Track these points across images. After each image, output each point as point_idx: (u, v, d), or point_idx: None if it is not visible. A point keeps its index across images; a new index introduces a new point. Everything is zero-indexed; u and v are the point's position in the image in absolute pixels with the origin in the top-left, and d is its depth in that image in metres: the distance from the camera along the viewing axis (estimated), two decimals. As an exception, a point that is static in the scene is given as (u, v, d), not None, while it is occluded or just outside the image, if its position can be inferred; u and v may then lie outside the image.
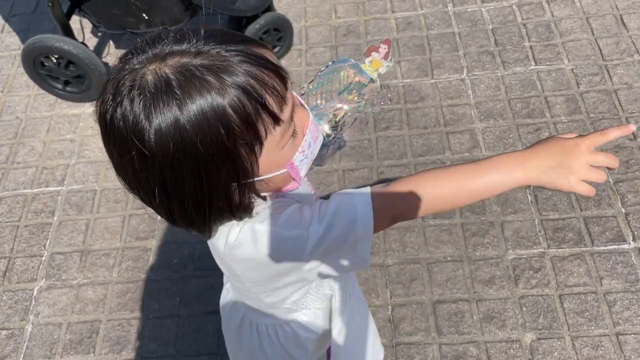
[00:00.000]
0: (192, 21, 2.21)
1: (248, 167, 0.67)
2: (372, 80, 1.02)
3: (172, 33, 0.65)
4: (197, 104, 0.60)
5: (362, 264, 0.78)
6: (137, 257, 1.92)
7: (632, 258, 1.73)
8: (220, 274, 1.17)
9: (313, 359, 1.13)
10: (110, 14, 2.14)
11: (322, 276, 0.83)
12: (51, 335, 1.78)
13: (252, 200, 0.73)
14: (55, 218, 2.04)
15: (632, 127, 0.72)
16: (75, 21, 2.35)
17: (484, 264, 1.77)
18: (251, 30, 2.21)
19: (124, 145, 0.63)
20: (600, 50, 2.24)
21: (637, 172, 1.90)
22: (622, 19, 2.33)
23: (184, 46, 0.63)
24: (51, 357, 1.74)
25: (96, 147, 2.23)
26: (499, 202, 1.89)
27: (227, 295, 1.09)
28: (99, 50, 2.58)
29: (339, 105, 1.04)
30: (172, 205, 0.68)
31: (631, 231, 1.78)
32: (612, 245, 1.76)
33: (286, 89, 0.67)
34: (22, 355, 1.75)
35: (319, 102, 1.04)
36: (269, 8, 2.29)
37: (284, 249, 0.74)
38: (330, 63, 1.04)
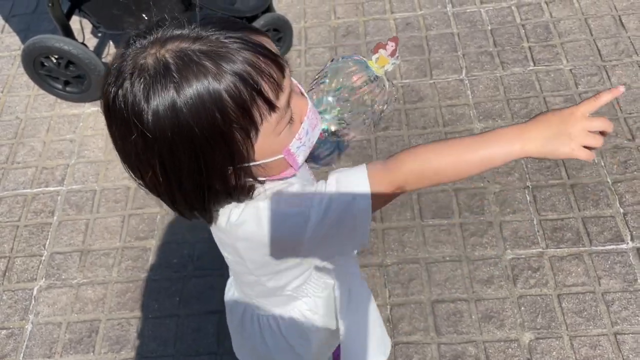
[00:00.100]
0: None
1: (244, 152, 0.69)
2: (376, 78, 1.02)
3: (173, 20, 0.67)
4: (194, 88, 0.62)
5: (363, 242, 0.79)
6: (136, 256, 1.92)
7: (630, 258, 1.73)
8: (220, 274, 1.18)
9: (315, 355, 1.14)
10: (110, 15, 2.15)
11: (324, 256, 0.84)
12: (51, 335, 1.78)
13: (250, 184, 0.75)
14: (55, 218, 2.05)
15: (621, 89, 0.73)
16: (75, 22, 2.36)
17: (483, 263, 1.78)
18: (251, 30, 2.22)
19: (125, 126, 0.65)
20: (599, 50, 2.25)
21: (635, 173, 1.91)
22: (620, 19, 2.34)
23: (185, 31, 0.65)
24: (51, 357, 1.74)
25: (96, 147, 2.24)
26: (497, 202, 1.90)
27: (230, 288, 1.11)
28: (99, 50, 2.58)
29: (342, 103, 1.04)
30: (172, 187, 0.70)
31: (629, 231, 1.78)
32: (610, 245, 1.76)
33: (283, 76, 0.69)
34: (21, 354, 1.75)
35: (323, 97, 1.05)
36: (269, 9, 2.30)
37: (286, 227, 0.76)
38: (340, 59, 1.04)
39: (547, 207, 1.87)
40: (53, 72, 2.30)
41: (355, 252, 1.38)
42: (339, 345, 1.17)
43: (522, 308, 1.68)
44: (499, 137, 0.73)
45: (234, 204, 0.77)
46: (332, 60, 1.06)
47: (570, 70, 2.20)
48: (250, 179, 0.74)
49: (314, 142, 0.80)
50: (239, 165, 0.70)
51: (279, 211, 0.75)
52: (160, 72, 0.62)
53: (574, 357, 1.58)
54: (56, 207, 2.08)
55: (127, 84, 0.63)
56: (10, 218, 2.07)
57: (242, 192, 0.75)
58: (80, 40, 2.27)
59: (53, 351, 1.75)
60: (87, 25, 2.55)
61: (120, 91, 0.64)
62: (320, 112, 1.05)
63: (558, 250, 1.78)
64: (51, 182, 2.15)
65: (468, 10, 2.48)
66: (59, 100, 2.40)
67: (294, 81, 0.77)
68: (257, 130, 0.68)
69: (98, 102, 2.36)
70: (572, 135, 0.70)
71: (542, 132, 0.71)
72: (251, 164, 0.72)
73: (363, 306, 1.12)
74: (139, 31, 0.66)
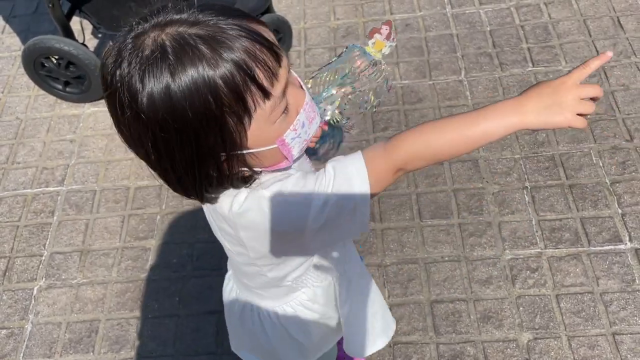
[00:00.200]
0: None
1: (236, 138, 0.70)
2: (375, 62, 1.03)
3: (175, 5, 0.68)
4: (188, 72, 0.64)
5: (363, 228, 0.80)
6: (136, 256, 1.93)
7: (629, 258, 1.74)
8: (219, 274, 1.18)
9: (317, 347, 1.14)
10: (110, 15, 2.15)
11: (326, 244, 0.85)
12: (50, 335, 1.79)
13: (247, 173, 0.76)
14: (55, 218, 2.05)
15: (609, 54, 0.75)
16: (75, 22, 2.36)
17: (482, 264, 1.78)
18: (250, 31, 2.22)
19: (121, 104, 0.66)
20: (598, 51, 2.25)
21: (633, 173, 1.91)
22: (619, 20, 2.35)
23: (184, 16, 0.67)
24: (50, 356, 1.75)
25: (96, 148, 2.24)
26: (496, 202, 1.91)
27: (228, 283, 1.11)
28: (99, 51, 2.59)
29: (342, 90, 1.05)
30: (166, 169, 0.72)
31: (627, 232, 1.79)
32: (608, 245, 1.77)
33: (279, 65, 0.70)
34: (21, 354, 1.76)
35: (326, 87, 1.06)
36: (268, 10, 2.30)
37: (288, 216, 0.77)
38: (344, 49, 1.06)
39: (545, 207, 1.87)
40: (53, 73, 2.31)
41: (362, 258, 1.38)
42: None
43: (521, 308, 1.68)
44: (496, 111, 0.74)
45: (235, 191, 0.78)
46: (339, 56, 1.07)
47: (569, 71, 2.20)
48: (246, 168, 0.75)
49: (311, 136, 0.81)
50: (232, 152, 0.71)
51: (281, 200, 0.76)
52: (157, 55, 0.64)
53: (572, 357, 1.58)
54: (56, 207, 2.08)
55: (124, 64, 0.65)
56: (10, 218, 2.08)
57: (236, 179, 0.76)
58: (81, 41, 2.27)
59: (53, 351, 1.75)
60: (88, 26, 2.56)
61: (118, 71, 0.65)
62: (323, 103, 1.06)
63: (556, 250, 1.78)
64: (51, 182, 2.15)
65: (467, 12, 2.49)
66: (59, 100, 2.41)
67: (294, 74, 0.78)
68: (250, 116, 0.69)
69: (98, 103, 2.37)
70: (565, 104, 0.72)
71: (537, 103, 0.72)
72: (244, 151, 0.72)
73: (363, 292, 1.13)
74: (141, 15, 0.68)
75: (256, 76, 0.66)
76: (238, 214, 0.78)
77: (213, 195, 0.78)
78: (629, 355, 1.57)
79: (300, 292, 1.01)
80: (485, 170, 1.99)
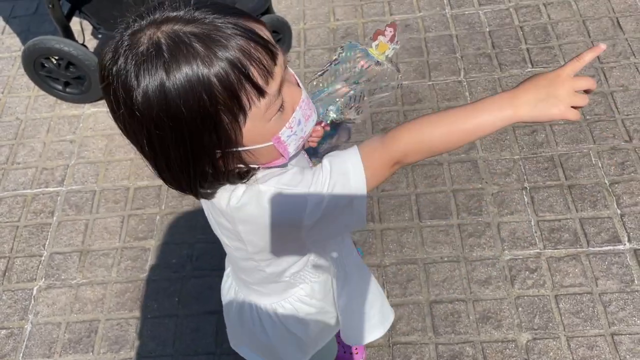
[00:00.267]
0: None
1: (232, 136, 0.70)
2: (377, 63, 1.04)
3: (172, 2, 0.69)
4: (183, 70, 0.64)
5: (360, 222, 0.81)
6: (135, 257, 1.93)
7: (628, 259, 1.74)
8: (218, 275, 1.19)
9: (315, 341, 1.15)
10: (110, 16, 2.16)
11: (323, 238, 0.86)
12: (50, 335, 1.79)
13: (243, 170, 0.76)
14: (55, 218, 2.06)
15: (603, 46, 0.75)
16: (75, 23, 2.36)
17: (481, 264, 1.78)
18: (250, 32, 2.23)
19: (117, 100, 0.67)
20: (597, 52, 2.25)
21: (632, 174, 1.91)
22: (618, 21, 2.35)
23: (180, 13, 0.67)
24: (50, 357, 1.75)
25: (96, 148, 2.24)
26: (495, 203, 1.91)
27: (227, 280, 1.12)
28: (99, 51, 2.59)
29: (345, 89, 1.05)
30: (160, 161, 0.72)
31: (626, 232, 1.79)
32: (607, 246, 1.77)
33: (275, 64, 0.70)
34: (21, 354, 1.76)
35: (326, 87, 1.06)
36: (268, 10, 2.31)
37: (285, 210, 0.77)
38: (339, 49, 1.06)
39: (544, 208, 1.88)
40: (53, 73, 2.31)
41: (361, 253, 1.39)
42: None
43: (520, 309, 1.69)
44: (491, 104, 0.74)
45: (233, 186, 0.78)
46: (339, 54, 1.07)
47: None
48: (242, 165, 0.76)
49: (308, 134, 0.81)
50: (227, 149, 0.71)
51: (279, 194, 0.77)
52: (152, 52, 0.64)
53: (571, 358, 1.59)
54: (56, 207, 2.08)
55: (121, 61, 0.65)
56: (10, 218, 2.08)
57: (232, 175, 0.76)
58: (81, 41, 2.28)
59: (52, 351, 1.75)
60: (88, 27, 2.56)
61: (114, 67, 0.66)
62: (325, 103, 1.07)
63: (555, 251, 1.78)
64: (51, 183, 2.16)
65: (466, 12, 2.49)
66: (59, 101, 2.41)
67: (291, 71, 0.78)
68: (245, 114, 0.69)
69: (98, 103, 2.38)
70: (560, 96, 0.72)
71: (532, 95, 0.73)
72: (240, 148, 0.73)
73: (360, 283, 1.14)
74: (139, 12, 0.68)
75: (251, 74, 0.67)
76: (236, 208, 0.79)
77: (209, 191, 0.78)
78: (627, 356, 1.57)
79: (299, 288, 1.01)
80: (485, 170, 1.99)
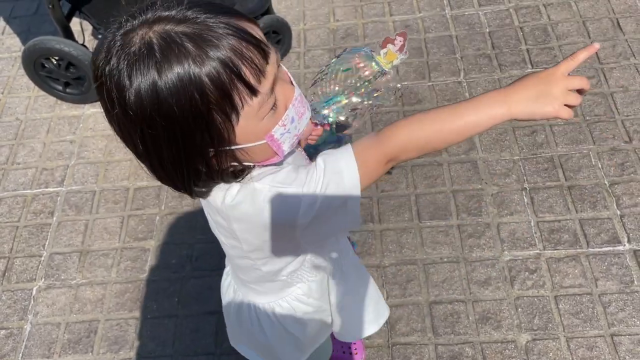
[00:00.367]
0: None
1: (224, 134, 0.70)
2: (383, 72, 1.03)
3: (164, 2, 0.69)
4: (175, 69, 0.64)
5: (355, 223, 0.81)
6: (135, 257, 1.93)
7: (627, 260, 1.74)
8: (218, 275, 1.19)
9: (313, 340, 1.15)
10: (110, 16, 2.15)
11: (319, 237, 0.86)
12: (50, 335, 1.79)
13: (237, 168, 0.76)
14: (55, 218, 2.06)
15: (597, 46, 0.75)
16: (75, 23, 2.37)
17: (480, 265, 1.78)
18: (250, 32, 2.23)
19: (110, 100, 0.67)
20: (597, 53, 2.26)
21: (632, 175, 1.91)
22: (618, 22, 2.35)
23: (172, 13, 0.67)
24: (49, 357, 1.75)
25: (96, 148, 2.24)
26: (495, 203, 1.91)
27: (226, 278, 1.12)
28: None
29: (350, 99, 1.05)
30: (153, 161, 0.72)
31: (626, 233, 1.79)
32: (607, 247, 1.77)
33: (267, 62, 0.70)
34: (20, 354, 1.76)
35: (328, 91, 1.06)
36: (268, 11, 2.31)
37: (280, 208, 0.77)
38: (349, 50, 1.05)
39: (544, 208, 1.88)
40: (53, 74, 2.31)
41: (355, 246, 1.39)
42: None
43: (519, 309, 1.68)
44: (485, 101, 0.74)
45: (227, 185, 0.78)
46: (340, 55, 1.06)
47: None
48: (236, 163, 0.76)
49: (302, 131, 0.81)
50: (220, 147, 0.72)
51: (273, 193, 0.77)
52: (144, 52, 0.64)
53: (570, 358, 1.58)
54: (56, 207, 2.09)
55: (113, 60, 0.66)
56: (10, 219, 2.08)
57: (226, 174, 0.76)
58: (81, 41, 2.28)
59: (52, 351, 1.75)
60: (88, 27, 2.56)
61: (107, 67, 0.66)
62: (326, 105, 1.07)
63: (555, 251, 1.78)
64: (51, 183, 2.16)
65: (466, 13, 2.49)
66: (59, 101, 2.42)
67: (284, 69, 0.78)
68: (237, 113, 0.69)
69: (98, 104, 2.37)
70: (554, 94, 0.72)
71: (526, 93, 0.73)
72: (233, 147, 0.73)
73: (355, 279, 1.14)
74: (131, 12, 0.69)
75: (243, 74, 0.67)
76: (231, 207, 0.79)
77: (204, 190, 0.78)
78: (627, 357, 1.57)
79: (296, 287, 1.01)
80: (484, 171, 1.99)
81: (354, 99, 1.07)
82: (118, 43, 0.66)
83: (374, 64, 1.03)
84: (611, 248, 1.77)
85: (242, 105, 0.69)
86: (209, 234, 0.94)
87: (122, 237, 1.98)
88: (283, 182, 0.77)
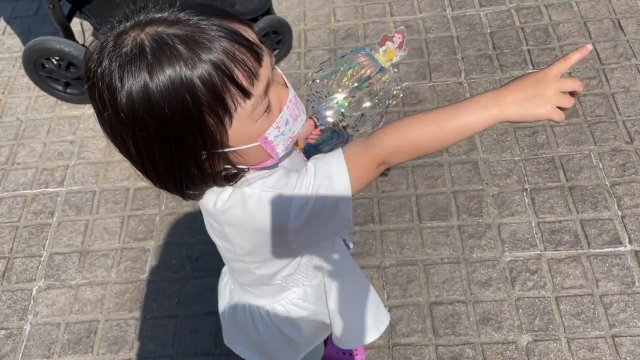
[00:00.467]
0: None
1: (217, 137, 0.70)
2: (382, 70, 1.03)
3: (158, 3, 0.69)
4: (166, 71, 0.64)
5: (347, 226, 0.80)
6: (135, 257, 1.93)
7: (628, 260, 1.73)
8: (218, 276, 1.18)
9: (309, 341, 1.14)
10: (110, 17, 2.15)
11: (312, 242, 0.85)
12: (49, 335, 1.79)
13: (231, 171, 0.76)
14: (55, 219, 2.05)
15: (589, 47, 0.74)
16: (76, 24, 2.37)
17: (481, 265, 1.78)
18: (250, 33, 2.23)
19: (101, 101, 0.67)
20: (598, 54, 2.25)
21: (633, 175, 1.91)
22: (619, 23, 2.35)
23: (165, 14, 0.67)
24: (49, 357, 1.74)
25: (96, 149, 2.24)
26: (495, 204, 1.90)
27: (224, 277, 1.12)
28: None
29: (350, 96, 1.05)
30: (145, 163, 0.72)
31: (627, 234, 1.79)
32: (608, 247, 1.76)
33: (260, 65, 0.70)
34: (20, 355, 1.76)
35: (331, 91, 1.05)
36: (269, 11, 2.31)
37: (270, 213, 0.77)
38: (349, 52, 1.05)
39: (545, 209, 1.87)
40: (54, 74, 2.31)
41: (350, 245, 1.38)
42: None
43: (520, 310, 1.68)
44: (477, 104, 0.73)
45: (220, 189, 0.78)
46: (342, 56, 1.06)
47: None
48: (229, 166, 0.76)
49: (296, 133, 0.80)
50: (212, 150, 0.71)
51: (263, 197, 0.76)
52: (136, 54, 0.64)
53: (571, 360, 1.58)
54: (56, 208, 2.08)
55: (105, 62, 0.65)
56: (10, 219, 2.08)
57: (218, 177, 0.76)
58: (81, 42, 2.28)
59: (51, 352, 1.75)
60: (88, 27, 2.56)
61: (99, 69, 0.66)
62: (327, 106, 1.06)
63: (556, 252, 1.78)
64: (51, 183, 2.16)
65: (467, 14, 2.49)
66: (59, 101, 2.41)
67: (278, 71, 0.78)
68: (230, 115, 0.69)
69: (98, 104, 2.37)
70: (546, 96, 0.71)
71: (518, 95, 0.72)
72: (226, 149, 0.73)
73: (353, 286, 1.13)
74: (125, 13, 0.69)
75: (235, 77, 0.67)
76: (222, 211, 0.79)
77: (196, 192, 0.78)
78: (628, 358, 1.56)
79: (291, 291, 1.01)
80: (485, 172, 1.99)
81: (355, 99, 1.07)
82: (110, 44, 0.66)
83: (373, 62, 1.02)
84: (612, 249, 1.76)
85: (235, 108, 0.69)
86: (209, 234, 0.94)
87: (122, 237, 1.98)
88: (273, 187, 0.76)
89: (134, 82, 0.64)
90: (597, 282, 1.70)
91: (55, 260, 1.95)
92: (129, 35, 0.66)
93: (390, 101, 1.10)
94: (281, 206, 0.76)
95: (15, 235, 2.03)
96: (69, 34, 2.22)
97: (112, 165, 2.17)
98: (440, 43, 2.40)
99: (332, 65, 1.06)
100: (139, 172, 0.75)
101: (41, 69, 2.30)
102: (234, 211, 0.78)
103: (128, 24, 0.67)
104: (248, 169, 0.78)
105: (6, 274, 1.94)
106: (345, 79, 1.06)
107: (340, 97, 1.07)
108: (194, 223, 1.98)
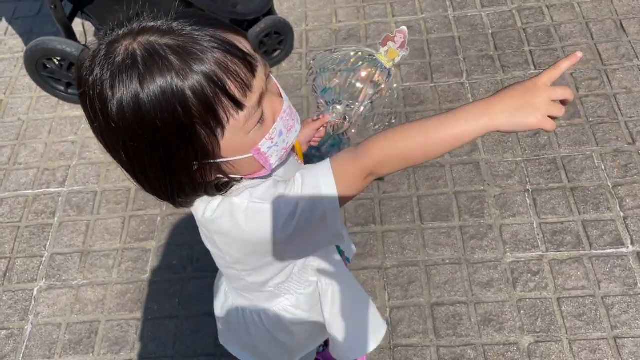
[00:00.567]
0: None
1: (209, 148, 0.69)
2: (384, 70, 1.03)
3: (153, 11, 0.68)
4: (157, 82, 0.63)
5: (336, 235, 0.80)
6: (136, 258, 1.93)
7: (631, 262, 1.73)
8: (219, 275, 1.18)
9: (302, 346, 1.14)
10: (112, 17, 2.15)
11: (301, 252, 0.84)
12: (50, 336, 1.78)
13: (222, 180, 0.76)
14: (56, 219, 2.05)
15: (579, 55, 0.73)
16: (77, 24, 2.37)
17: (482, 266, 1.77)
18: (252, 33, 2.23)
19: (93, 110, 0.67)
20: (600, 54, 2.25)
21: (635, 176, 1.90)
22: (621, 24, 2.34)
23: (158, 23, 0.66)
24: (50, 357, 1.74)
25: (97, 149, 2.24)
26: (497, 205, 1.90)
27: (220, 277, 1.12)
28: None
29: (351, 97, 1.05)
30: (137, 172, 0.72)
31: (629, 235, 1.78)
32: (610, 248, 1.76)
33: (253, 76, 0.69)
34: (21, 355, 1.75)
35: (332, 91, 1.05)
36: (270, 12, 2.31)
37: (257, 224, 0.76)
38: (350, 51, 1.05)
39: (547, 210, 1.87)
40: (55, 74, 2.31)
41: (349, 259, 1.38)
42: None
43: (522, 311, 1.67)
44: (466, 113, 0.71)
45: (209, 197, 0.78)
46: (344, 51, 1.06)
47: (572, 74, 2.20)
48: (221, 176, 0.75)
49: (291, 144, 0.80)
50: (204, 161, 0.71)
51: (251, 208, 0.76)
52: (128, 64, 0.64)
53: (573, 361, 1.58)
54: (57, 208, 2.08)
55: (97, 71, 0.65)
56: (11, 219, 2.08)
57: (210, 187, 0.75)
58: (83, 42, 2.28)
59: (52, 352, 1.75)
60: (90, 28, 2.56)
61: (90, 77, 0.65)
62: (328, 107, 1.06)
63: (558, 253, 1.77)
64: (52, 184, 2.16)
65: (469, 14, 2.49)
66: (61, 102, 2.41)
67: (274, 81, 0.77)
68: (222, 127, 0.68)
69: (100, 104, 2.37)
70: (537, 105, 0.70)
71: (508, 104, 0.70)
72: (218, 160, 0.72)
73: (348, 298, 1.13)
74: (118, 21, 0.68)
75: (227, 88, 0.66)
76: (210, 220, 0.78)
77: (187, 200, 0.78)
78: (630, 359, 1.56)
79: (284, 298, 1.00)
80: (487, 173, 1.98)
81: (356, 99, 1.07)
82: (102, 52, 0.65)
83: (374, 62, 1.02)
84: (614, 250, 1.76)
85: (228, 119, 0.68)
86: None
87: (123, 237, 1.98)
88: (261, 198, 0.76)
89: (125, 92, 0.64)
90: (599, 284, 1.70)
91: (57, 261, 1.95)
92: (121, 44, 0.65)
93: (395, 102, 1.10)
94: (268, 217, 0.75)
95: (16, 236, 2.03)
96: (70, 35, 2.23)
97: (113, 166, 2.17)
98: (442, 44, 2.40)
99: (332, 63, 1.06)
100: (130, 179, 0.75)
101: (43, 69, 2.30)
102: (222, 221, 0.77)
103: (121, 31, 0.66)
104: (241, 178, 0.78)
105: (7, 274, 1.94)
106: (348, 78, 1.06)
107: (343, 98, 1.07)
108: (195, 224, 1.95)
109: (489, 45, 2.36)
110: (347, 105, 1.06)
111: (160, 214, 2.01)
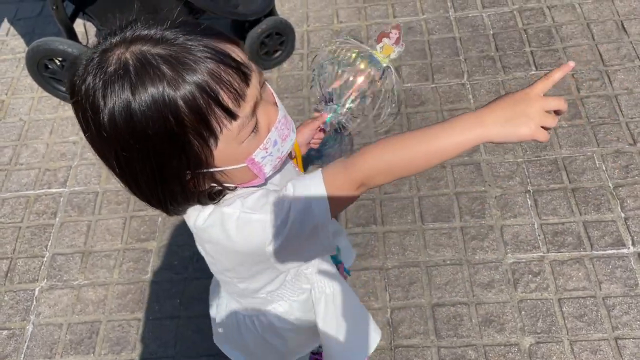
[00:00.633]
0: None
1: (202, 158, 0.69)
2: (381, 67, 1.03)
3: (148, 19, 0.68)
4: (149, 91, 0.63)
5: (327, 246, 0.79)
6: (137, 258, 1.93)
7: (632, 262, 1.73)
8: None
9: (295, 351, 1.14)
10: (113, 18, 2.16)
11: (292, 261, 0.84)
12: (51, 336, 1.79)
13: (215, 189, 0.75)
14: (57, 219, 2.06)
15: (571, 64, 0.72)
16: (79, 24, 2.37)
17: (483, 267, 1.77)
18: (253, 34, 2.23)
19: (85, 119, 0.67)
20: (601, 55, 2.25)
21: (636, 177, 1.90)
22: (622, 24, 2.34)
23: (151, 32, 0.66)
24: (51, 357, 1.75)
25: (98, 149, 2.25)
26: (498, 205, 1.90)
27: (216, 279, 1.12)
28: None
29: (349, 96, 1.05)
30: (129, 180, 0.72)
31: (630, 236, 1.78)
32: (611, 249, 1.76)
33: (247, 85, 0.68)
34: (22, 355, 1.76)
35: (332, 93, 1.05)
36: (271, 12, 2.31)
37: (247, 234, 0.76)
38: (346, 49, 1.05)
39: (548, 211, 1.87)
40: (57, 75, 2.31)
41: (352, 258, 1.38)
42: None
43: (523, 312, 1.67)
44: (458, 125, 0.70)
45: (200, 206, 0.78)
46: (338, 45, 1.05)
47: (573, 75, 2.20)
48: (214, 185, 0.75)
49: (285, 153, 0.79)
50: (197, 170, 0.71)
51: (242, 218, 0.75)
52: (120, 73, 0.63)
53: (574, 362, 1.58)
54: (58, 208, 2.09)
55: (89, 79, 0.65)
56: (12, 219, 2.08)
57: (203, 196, 0.75)
58: (84, 43, 2.28)
59: (54, 352, 1.75)
60: (91, 28, 2.57)
61: (83, 86, 0.65)
62: (329, 107, 1.06)
63: (559, 254, 1.77)
64: (54, 184, 2.16)
65: (470, 15, 2.49)
66: (62, 102, 2.42)
67: (269, 90, 0.76)
68: (215, 137, 0.68)
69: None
70: (530, 115, 0.68)
71: (501, 115, 0.69)
72: (211, 170, 0.72)
73: (342, 305, 1.12)
74: (112, 29, 0.68)
75: (220, 98, 0.65)
76: (201, 229, 0.78)
77: (180, 208, 0.78)
78: (631, 360, 1.56)
79: (277, 305, 1.00)
80: (488, 173, 1.98)
81: (354, 99, 1.07)
82: (95, 61, 0.65)
83: (370, 59, 1.02)
84: (615, 251, 1.76)
85: (221, 129, 0.68)
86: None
87: (124, 238, 1.98)
88: (252, 208, 0.75)
89: (116, 101, 0.63)
90: (600, 284, 1.70)
91: (58, 261, 1.95)
92: (113, 53, 0.65)
93: (396, 102, 1.10)
94: (259, 228, 0.75)
95: (17, 236, 2.03)
96: (72, 35, 2.23)
97: (114, 166, 2.18)
98: (443, 44, 2.40)
99: (330, 63, 1.06)
100: (123, 187, 0.75)
101: (44, 69, 2.30)
102: (213, 230, 0.77)
103: (114, 40, 0.66)
104: (235, 187, 0.77)
105: (9, 275, 1.94)
106: (346, 80, 1.06)
107: (342, 99, 1.07)
108: (196, 224, 1.98)
109: (490, 46, 2.36)
110: (343, 104, 1.07)
111: (161, 215, 2.02)
